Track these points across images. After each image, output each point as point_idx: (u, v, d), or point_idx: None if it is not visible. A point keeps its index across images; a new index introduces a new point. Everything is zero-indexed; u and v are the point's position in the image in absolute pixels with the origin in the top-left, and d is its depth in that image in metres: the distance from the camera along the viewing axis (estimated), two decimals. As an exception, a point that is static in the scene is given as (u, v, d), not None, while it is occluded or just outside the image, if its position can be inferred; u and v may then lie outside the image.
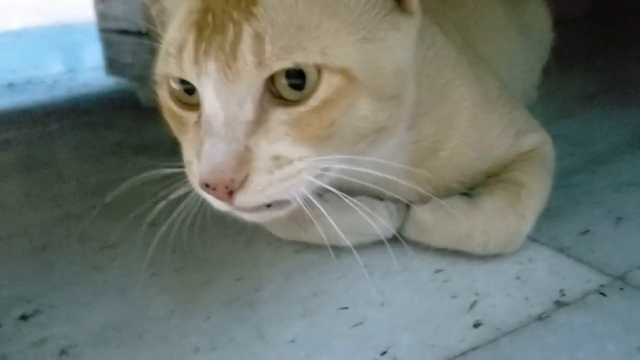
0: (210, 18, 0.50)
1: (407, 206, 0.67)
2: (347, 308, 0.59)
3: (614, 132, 0.98)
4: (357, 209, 0.64)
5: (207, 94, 0.49)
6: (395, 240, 0.66)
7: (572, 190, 0.78)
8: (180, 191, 0.59)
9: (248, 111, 0.49)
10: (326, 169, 0.54)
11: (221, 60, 0.49)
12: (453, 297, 0.59)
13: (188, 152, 0.54)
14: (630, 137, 0.96)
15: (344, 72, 0.49)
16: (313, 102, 0.49)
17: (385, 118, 0.54)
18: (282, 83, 0.49)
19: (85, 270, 0.71)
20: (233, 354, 0.54)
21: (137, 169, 0.64)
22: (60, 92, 1.82)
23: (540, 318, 0.55)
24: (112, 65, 2.29)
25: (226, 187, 0.48)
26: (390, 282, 0.62)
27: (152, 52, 0.59)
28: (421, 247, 0.66)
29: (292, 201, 0.53)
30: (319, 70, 0.49)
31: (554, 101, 1.16)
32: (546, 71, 1.29)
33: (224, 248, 0.72)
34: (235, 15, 0.49)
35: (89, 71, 2.24)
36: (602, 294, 0.57)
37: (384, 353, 0.52)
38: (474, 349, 0.52)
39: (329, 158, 0.53)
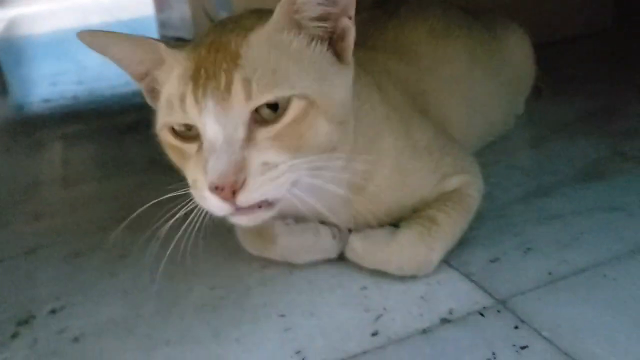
0: (202, 72, 0.68)
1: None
2: (284, 316, 0.76)
3: (568, 164, 1.09)
4: (306, 231, 0.83)
5: (209, 123, 0.67)
6: (341, 258, 0.84)
7: (500, 220, 0.92)
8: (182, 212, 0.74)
9: (241, 132, 0.67)
10: (295, 183, 0.70)
11: (217, 98, 0.66)
12: (366, 310, 0.75)
13: (193, 173, 0.70)
14: (580, 169, 1.07)
15: (306, 98, 0.68)
16: (286, 119, 0.67)
17: (337, 139, 0.72)
18: (264, 109, 0.67)
19: (103, 275, 0.92)
20: (192, 347, 0.73)
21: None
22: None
23: (424, 332, 0.70)
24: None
25: (230, 187, 0.65)
26: (325, 296, 0.79)
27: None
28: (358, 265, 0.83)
29: (276, 203, 0.70)
30: (288, 97, 0.67)
31: (529, 130, 1.28)
32: (537, 93, 1.41)
33: (208, 261, 0.90)
34: (225, 66, 0.67)
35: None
36: (481, 314, 0.72)
37: (297, 352, 0.69)
38: (364, 352, 0.68)
39: (302, 161, 0.69)
